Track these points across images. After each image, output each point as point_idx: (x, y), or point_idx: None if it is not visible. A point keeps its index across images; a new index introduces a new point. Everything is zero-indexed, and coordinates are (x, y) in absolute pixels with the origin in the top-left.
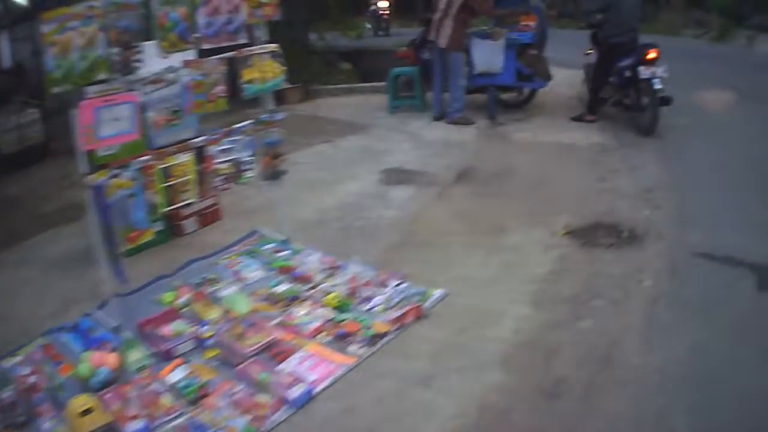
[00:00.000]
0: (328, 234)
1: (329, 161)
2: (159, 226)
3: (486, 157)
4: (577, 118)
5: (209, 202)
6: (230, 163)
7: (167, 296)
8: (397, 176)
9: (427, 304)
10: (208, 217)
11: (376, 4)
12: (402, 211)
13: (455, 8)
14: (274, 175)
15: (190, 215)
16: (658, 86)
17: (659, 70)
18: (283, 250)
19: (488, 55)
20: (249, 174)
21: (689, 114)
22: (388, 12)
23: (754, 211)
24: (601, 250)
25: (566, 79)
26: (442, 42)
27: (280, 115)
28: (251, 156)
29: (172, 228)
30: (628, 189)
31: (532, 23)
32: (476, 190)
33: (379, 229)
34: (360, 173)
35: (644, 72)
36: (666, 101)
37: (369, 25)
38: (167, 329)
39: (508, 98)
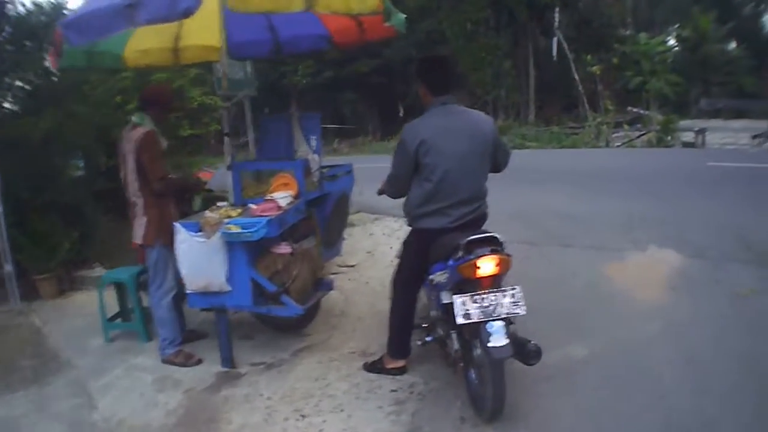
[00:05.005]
0: None
1: None
2: None
3: None
4: (374, 367)
5: None
6: None
7: None
8: None
9: None
10: None
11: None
12: None
13: (135, 182)
14: None
15: None
16: (497, 341)
17: (505, 302)
18: None
19: (200, 261)
20: None
21: (596, 327)
22: None
23: None
24: None
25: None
26: (137, 235)
27: None
28: None
29: None
30: None
31: (282, 196)
32: None
33: None
34: None
35: (467, 307)
36: (525, 357)
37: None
38: None
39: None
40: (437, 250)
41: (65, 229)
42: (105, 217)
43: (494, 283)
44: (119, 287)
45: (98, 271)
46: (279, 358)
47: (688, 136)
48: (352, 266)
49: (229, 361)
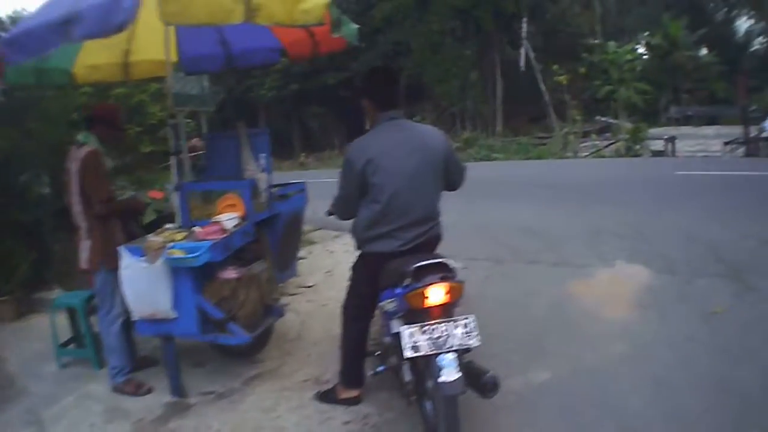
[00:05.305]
0: None
1: None
2: None
3: None
4: (326, 397)
5: None
6: None
7: None
8: None
9: None
10: None
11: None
12: None
13: (78, 204)
14: None
15: None
16: (449, 375)
17: (457, 333)
18: None
19: (145, 287)
20: None
21: (559, 350)
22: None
23: None
24: None
25: None
26: (83, 260)
27: None
28: None
29: None
30: None
31: (228, 218)
32: None
33: None
34: None
35: (415, 339)
36: (481, 390)
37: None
38: None
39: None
40: (386, 276)
41: (25, 250)
42: (65, 236)
43: (445, 312)
44: (72, 312)
45: (57, 293)
46: (230, 386)
47: (658, 145)
48: (310, 287)
49: (178, 390)
